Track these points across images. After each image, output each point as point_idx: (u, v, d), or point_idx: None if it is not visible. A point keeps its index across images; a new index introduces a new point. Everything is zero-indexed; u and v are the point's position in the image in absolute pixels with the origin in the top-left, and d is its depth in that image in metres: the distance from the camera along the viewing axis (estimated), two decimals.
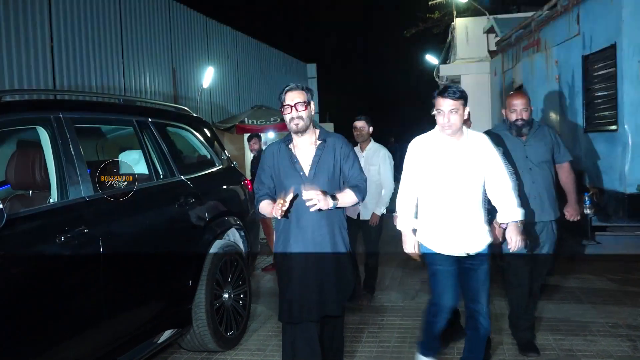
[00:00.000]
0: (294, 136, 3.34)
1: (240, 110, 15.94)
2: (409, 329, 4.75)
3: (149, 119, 4.23)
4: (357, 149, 5.56)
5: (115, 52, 10.77)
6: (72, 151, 3.35)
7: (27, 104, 3.61)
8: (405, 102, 40.45)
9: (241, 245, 4.89)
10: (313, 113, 3.37)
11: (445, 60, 18.91)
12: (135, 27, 11.48)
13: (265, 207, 3.35)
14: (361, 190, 3.36)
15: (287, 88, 3.31)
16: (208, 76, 13.86)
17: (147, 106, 4.67)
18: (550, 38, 9.32)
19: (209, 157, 5.01)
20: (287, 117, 3.27)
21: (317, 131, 3.39)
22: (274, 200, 3.27)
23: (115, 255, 3.37)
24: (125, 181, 4.35)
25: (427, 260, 3.46)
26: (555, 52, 9.01)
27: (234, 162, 5.64)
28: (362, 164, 5.17)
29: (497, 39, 12.84)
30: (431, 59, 21.13)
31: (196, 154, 5.11)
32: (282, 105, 3.30)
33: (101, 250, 3.25)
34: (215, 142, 5.27)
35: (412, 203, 3.47)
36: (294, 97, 3.27)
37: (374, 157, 5.47)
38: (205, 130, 5.18)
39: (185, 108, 5.23)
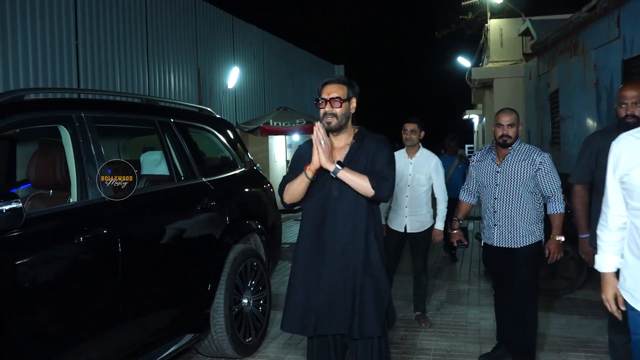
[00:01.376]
0: (331, 135, 3.12)
1: (265, 112, 16.04)
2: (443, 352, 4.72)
3: (171, 120, 4.28)
4: (402, 153, 5.23)
5: (141, 51, 10.94)
6: (93, 151, 3.39)
7: (49, 102, 3.68)
8: (436, 106, 40.25)
9: (262, 250, 4.90)
10: (353, 111, 3.11)
11: (477, 63, 18.77)
12: (161, 26, 11.64)
13: (294, 184, 3.09)
14: (379, 184, 2.97)
15: (326, 81, 3.09)
16: (233, 77, 14.00)
17: (170, 106, 4.72)
18: (588, 41, 9.19)
19: (231, 159, 5.04)
20: (321, 112, 3.05)
21: (356, 130, 3.17)
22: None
23: (133, 257, 3.41)
24: (144, 182, 4.44)
25: (631, 324, 2.51)
26: (593, 55, 8.88)
27: (258, 165, 5.67)
28: (409, 172, 5.15)
29: (533, 41, 12.70)
30: (463, 61, 21.00)
31: (219, 155, 5.15)
32: (318, 99, 3.07)
33: (120, 251, 3.29)
34: (238, 144, 5.30)
35: (622, 231, 2.55)
36: (331, 90, 3.04)
37: (424, 165, 5.16)
38: (229, 131, 5.21)
39: (209, 109, 5.28)
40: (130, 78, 10.52)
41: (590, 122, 9.02)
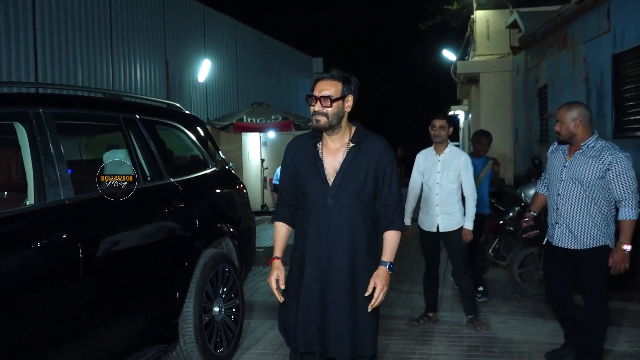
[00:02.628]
0: (325, 135, 3.05)
1: (238, 107, 15.99)
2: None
3: (137, 116, 4.25)
4: (430, 151, 5.35)
5: (104, 42, 10.83)
6: (52, 150, 3.36)
7: (4, 97, 3.63)
8: (420, 102, 40.48)
9: (234, 255, 4.90)
10: (349, 109, 3.01)
11: (463, 56, 18.94)
12: (126, 15, 11.54)
13: (276, 236, 3.18)
14: (400, 222, 3.06)
15: (319, 76, 3.00)
16: (204, 70, 13.92)
17: (135, 102, 4.69)
18: (578, 34, 9.34)
19: (201, 158, 5.03)
20: (310, 110, 2.98)
21: (353, 130, 3.07)
22: (291, 222, 3.15)
23: (95, 264, 3.38)
24: (109, 183, 4.40)
25: None
26: (583, 49, 9.03)
27: (231, 164, 5.66)
28: (438, 169, 5.23)
29: (521, 34, 12.85)
30: (449, 55, 21.17)
31: (188, 154, 5.14)
32: (308, 95, 2.99)
33: (81, 257, 3.26)
34: (209, 142, 5.29)
35: None
36: (322, 87, 2.95)
37: (453, 162, 5.21)
38: (199, 128, 5.20)
39: (177, 104, 5.26)
40: (93, 71, 10.41)
41: None
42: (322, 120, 2.95)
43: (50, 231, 3.14)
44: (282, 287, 3.05)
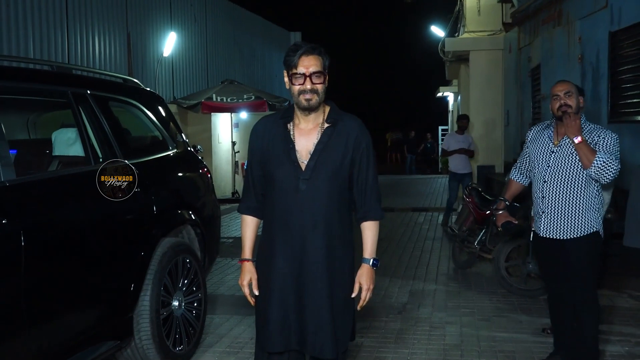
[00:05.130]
0: (298, 113, 2.99)
1: (207, 85, 15.88)
2: None
3: (88, 91, 4.19)
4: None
5: (59, 12, 10.65)
6: None
7: None
8: (407, 82, 40.60)
9: (196, 245, 4.87)
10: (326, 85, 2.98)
11: (453, 33, 18.97)
12: None
13: (244, 232, 3.13)
14: (378, 211, 3.05)
15: (300, 51, 2.89)
16: (170, 43, 13.78)
17: (87, 76, 4.62)
18: (573, 10, 9.39)
19: (160, 138, 4.98)
20: (295, 89, 2.90)
21: (327, 109, 3.03)
22: (260, 214, 3.10)
23: (40, 253, 3.34)
24: (56, 164, 4.35)
25: None
26: (578, 26, 9.08)
27: (199, 147, 5.62)
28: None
29: (514, 9, 12.89)
30: (437, 31, 21.18)
31: (146, 134, 5.08)
32: (291, 73, 2.90)
33: (23, 246, 3.21)
34: (170, 121, 5.23)
35: None
36: (310, 63, 2.88)
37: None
38: (159, 107, 5.14)
39: (135, 80, 5.19)
40: (46, 43, 10.24)
41: None
42: (314, 98, 2.90)
43: None
44: (256, 292, 3.04)
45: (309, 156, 2.96)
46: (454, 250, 7.68)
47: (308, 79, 2.88)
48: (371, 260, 3.03)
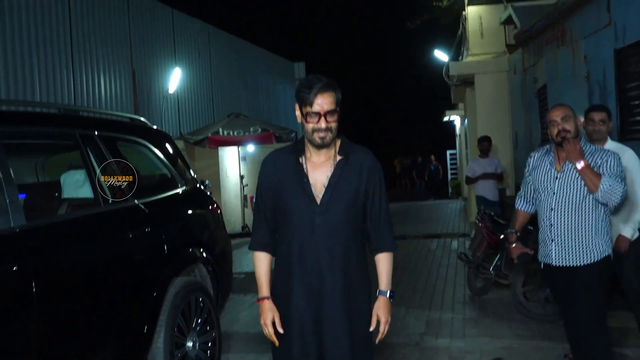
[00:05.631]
0: (310, 147, 2.98)
1: (213, 119, 15.95)
2: None
3: (95, 132, 4.21)
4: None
5: (64, 52, 10.77)
6: (0, 172, 3.32)
7: None
8: (413, 107, 40.68)
9: (209, 283, 4.84)
10: None
11: (456, 56, 19.04)
12: (87, 21, 11.49)
13: (259, 269, 3.05)
14: (392, 242, 3.07)
15: (315, 89, 2.85)
16: (175, 79, 13.89)
17: (94, 117, 4.65)
18: (577, 29, 9.40)
19: (169, 177, 4.98)
20: (309, 127, 2.89)
21: (339, 142, 3.03)
22: (272, 250, 3.05)
23: (51, 298, 3.33)
24: (65, 207, 4.36)
25: None
26: (583, 45, 9.08)
27: (207, 182, 5.62)
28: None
29: (516, 30, 12.93)
30: (441, 55, 21.28)
31: (155, 173, 5.09)
32: (306, 111, 2.88)
33: (34, 291, 3.20)
34: (178, 158, 5.24)
35: None
36: (324, 101, 2.86)
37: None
38: (166, 144, 5.15)
39: (142, 118, 5.21)
40: (52, 84, 10.34)
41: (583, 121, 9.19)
42: (328, 136, 2.90)
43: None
44: (281, 330, 2.96)
45: (323, 189, 2.95)
46: (469, 277, 7.59)
47: (323, 118, 2.87)
48: (388, 292, 3.02)
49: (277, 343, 2.97)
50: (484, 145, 10.03)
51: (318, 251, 2.93)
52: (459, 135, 25.36)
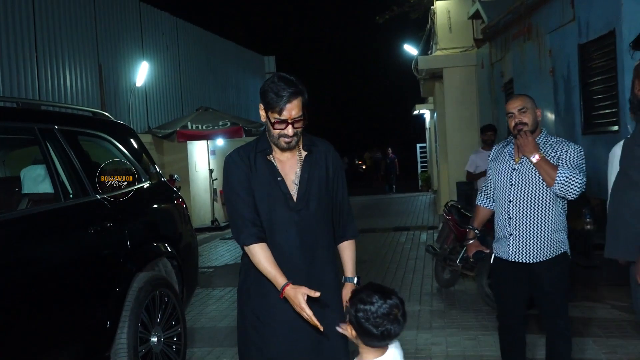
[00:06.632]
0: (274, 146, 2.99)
1: (182, 113, 15.83)
2: None
3: (55, 127, 4.14)
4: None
5: (27, 46, 10.57)
6: None
7: None
8: (383, 101, 40.84)
9: (174, 277, 4.80)
10: None
11: (425, 51, 19.12)
12: (52, 12, 11.29)
13: (265, 260, 2.87)
14: (355, 229, 3.14)
15: (285, 98, 2.81)
16: (142, 73, 13.74)
17: (54, 111, 4.57)
18: (542, 24, 9.51)
19: (133, 171, 4.91)
20: (276, 132, 2.87)
21: (300, 136, 3.01)
22: (265, 239, 2.91)
23: (8, 294, 3.28)
24: (26, 202, 4.28)
25: None
26: (548, 40, 9.19)
27: (176, 176, 5.58)
28: None
29: (484, 25, 13.04)
30: (410, 49, 21.36)
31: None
32: (273, 118, 2.85)
33: None
34: (142, 153, 5.19)
35: None
36: (292, 107, 2.83)
37: None
38: (130, 138, 5.10)
39: (105, 112, 5.15)
40: (15, 79, 10.14)
41: (549, 115, 9.31)
42: (293, 141, 2.90)
43: None
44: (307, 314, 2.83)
45: (294, 186, 2.96)
46: (436, 269, 7.64)
47: (290, 125, 2.86)
48: (355, 278, 3.07)
49: (320, 327, 2.82)
50: (488, 136, 8.51)
51: (302, 249, 2.93)
52: (429, 128, 25.50)
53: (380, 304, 2.29)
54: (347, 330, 2.37)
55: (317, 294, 2.78)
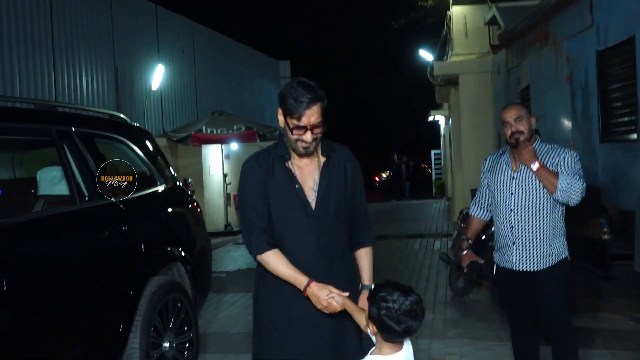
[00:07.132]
0: (292, 152, 2.96)
1: (197, 117, 15.86)
2: None
3: (73, 129, 4.14)
4: None
5: (45, 49, 10.64)
6: None
7: None
8: (398, 107, 40.73)
9: (187, 282, 4.78)
10: None
11: (441, 56, 19.06)
12: (69, 15, 11.36)
13: (282, 266, 2.83)
14: (372, 236, 3.12)
15: (304, 103, 2.78)
16: (158, 76, 13.78)
17: (71, 113, 4.58)
18: (560, 30, 9.44)
19: (148, 174, 4.92)
20: (294, 137, 2.84)
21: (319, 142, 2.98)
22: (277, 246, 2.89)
23: (23, 297, 3.28)
24: (41, 204, 4.29)
25: None
26: (566, 46, 9.12)
27: (190, 180, 5.57)
28: None
29: (500, 31, 12.97)
30: (425, 55, 21.31)
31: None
32: (292, 124, 2.82)
33: (5, 290, 3.14)
34: (158, 156, 5.19)
35: None
36: (312, 113, 2.79)
37: None
38: (146, 141, 5.10)
39: (121, 115, 5.15)
40: (32, 80, 10.21)
41: (566, 122, 9.23)
42: (312, 146, 2.87)
43: None
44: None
45: (313, 192, 2.93)
46: (450, 278, 7.58)
47: (309, 131, 2.83)
48: (372, 286, 3.00)
49: (345, 293, 2.81)
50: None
51: (319, 256, 2.90)
52: (444, 135, 25.41)
53: (402, 301, 2.40)
54: (369, 326, 2.46)
55: (347, 294, 2.78)
